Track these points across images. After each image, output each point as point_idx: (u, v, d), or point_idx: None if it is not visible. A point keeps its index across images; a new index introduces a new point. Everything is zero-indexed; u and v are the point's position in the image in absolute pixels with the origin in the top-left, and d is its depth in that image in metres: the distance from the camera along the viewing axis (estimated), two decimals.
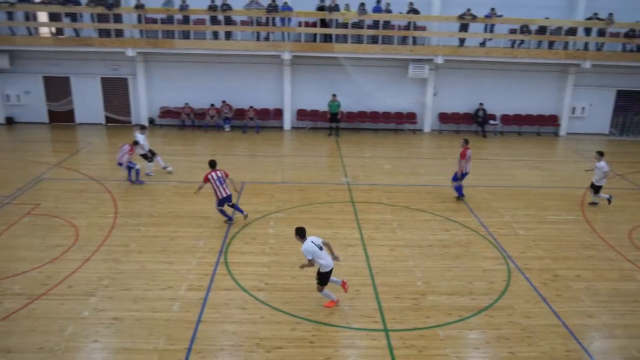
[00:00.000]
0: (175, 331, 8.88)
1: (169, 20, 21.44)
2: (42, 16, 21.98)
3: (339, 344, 8.76)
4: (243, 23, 21.90)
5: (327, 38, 21.76)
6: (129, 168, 15.79)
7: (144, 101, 22.95)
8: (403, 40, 21.98)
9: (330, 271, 9.50)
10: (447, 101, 23.50)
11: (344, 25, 21.61)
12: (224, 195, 12.98)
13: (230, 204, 13.22)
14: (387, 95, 23.02)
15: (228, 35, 21.63)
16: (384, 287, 10.44)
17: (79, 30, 21.63)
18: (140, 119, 23.12)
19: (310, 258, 9.32)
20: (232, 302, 9.78)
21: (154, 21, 21.66)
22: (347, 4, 21.45)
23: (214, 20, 21.32)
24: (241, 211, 13.28)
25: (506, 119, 23.82)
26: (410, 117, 23.55)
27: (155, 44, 21.34)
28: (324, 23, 21.61)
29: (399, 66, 22.73)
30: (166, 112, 23.07)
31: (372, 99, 23.17)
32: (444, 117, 23.74)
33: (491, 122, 23.47)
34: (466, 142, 14.87)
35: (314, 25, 21.83)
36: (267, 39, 21.75)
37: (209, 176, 12.90)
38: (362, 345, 8.73)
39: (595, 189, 14.92)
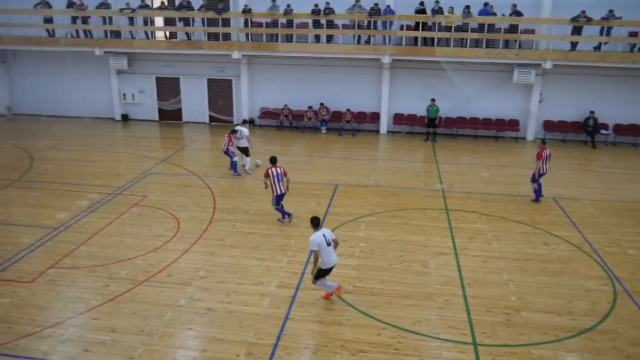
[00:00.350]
0: (264, 326, 9.13)
1: (274, 24, 22.13)
2: (159, 21, 23.57)
3: (424, 353, 8.56)
4: (344, 27, 22.11)
5: (427, 41, 21.39)
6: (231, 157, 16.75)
7: (246, 102, 23.85)
8: (507, 44, 21.10)
9: (330, 270, 9.58)
10: (554, 108, 22.20)
11: (447, 29, 21.14)
12: (279, 192, 13.11)
13: (280, 205, 13.33)
14: (489, 101, 22.20)
15: (329, 38, 21.94)
16: (475, 299, 10.06)
17: (191, 33, 22.93)
18: (241, 119, 24.02)
19: (315, 249, 9.34)
20: (319, 302, 9.89)
21: (260, 25, 22.45)
22: (451, 7, 20.95)
23: (317, 24, 21.72)
24: (288, 214, 13.37)
25: (619, 128, 22.07)
26: (513, 124, 22.52)
27: (260, 47, 22.12)
28: (424, 26, 21.29)
29: (503, 71, 21.83)
30: (266, 113, 23.83)
31: (473, 105, 22.45)
32: (549, 125, 22.46)
33: (602, 131, 21.85)
34: (543, 142, 15.26)
35: (416, 28, 21.56)
36: (367, 42, 21.79)
37: (269, 172, 13.05)
38: (448, 357, 8.47)
39: None
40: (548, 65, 20.63)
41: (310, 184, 16.31)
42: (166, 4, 23.47)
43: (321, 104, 22.92)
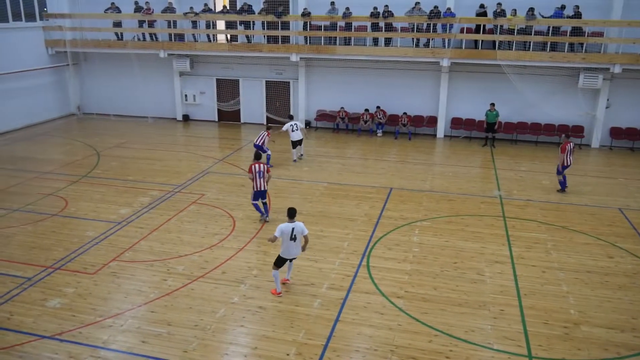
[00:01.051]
0: (314, 327, 9.19)
1: (332, 27, 22.27)
2: (220, 24, 24.19)
3: None
4: (403, 29, 21.97)
5: (488, 44, 20.90)
6: (264, 152, 17.23)
7: (303, 104, 24.09)
8: (572, 48, 20.32)
9: (285, 260, 10.05)
10: (622, 115, 21.16)
11: (509, 32, 20.60)
12: (259, 189, 13.24)
13: (264, 200, 13.57)
14: (552, 106, 21.44)
15: (388, 41, 21.85)
16: (532, 311, 9.75)
17: (251, 36, 23.40)
18: (298, 120, 24.27)
19: (277, 235, 9.72)
20: (370, 305, 9.86)
21: (318, 28, 22.64)
22: (514, 9, 20.39)
23: (375, 27, 21.68)
24: (262, 213, 13.61)
25: None
26: (577, 130, 21.64)
27: (318, 50, 22.30)
28: (485, 29, 20.82)
29: (568, 75, 21.05)
30: (322, 115, 23.97)
31: (534, 110, 21.75)
32: (616, 132, 21.44)
33: None
34: (567, 136, 15.96)
35: (476, 31, 21.14)
36: (426, 45, 21.54)
37: (252, 167, 13.21)
38: None
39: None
40: (617, 69, 19.72)
41: (364, 187, 16.28)
42: (228, 8, 24.05)
43: (378, 107, 22.85)
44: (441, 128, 22.87)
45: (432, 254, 11.92)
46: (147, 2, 24.09)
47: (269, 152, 17.79)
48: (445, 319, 9.44)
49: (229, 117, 25.50)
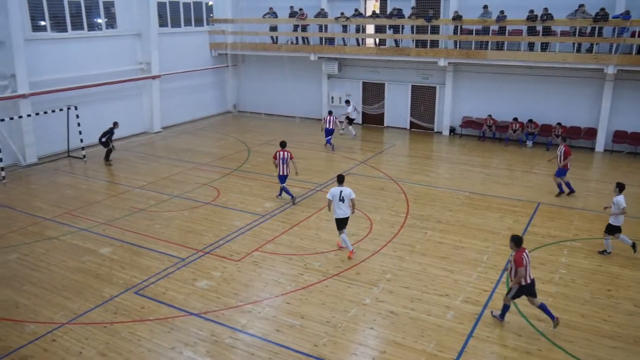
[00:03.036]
0: (446, 339, 8.94)
1: (484, 31, 21.45)
2: (370, 29, 24.51)
3: None
4: (563, 33, 20.43)
5: None
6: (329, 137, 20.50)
7: (448, 110, 23.53)
8: None
9: (340, 220, 11.64)
10: None
11: None
12: (282, 173, 14.77)
13: (285, 182, 15.04)
14: None
15: (544, 46, 20.48)
16: None
17: (399, 40, 23.40)
18: (442, 126, 23.82)
19: (329, 198, 11.55)
20: (508, 325, 9.34)
21: (469, 32, 21.95)
22: None
23: (531, 31, 20.45)
24: (292, 196, 15.05)
25: None
26: None
27: (468, 55, 21.63)
28: None
29: None
30: (468, 122, 23.20)
31: None
32: None
33: None
34: (564, 139, 15.81)
35: None
36: (589, 50, 19.84)
37: (277, 154, 14.72)
38: None
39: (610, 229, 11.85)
40: None
41: (509, 200, 15.47)
42: (378, 12, 24.29)
43: (530, 120, 21.46)
44: (601, 141, 20.90)
45: (582, 277, 10.96)
46: (300, 9, 25.20)
47: (329, 138, 21.02)
48: (593, 351, 8.62)
49: (372, 120, 25.75)
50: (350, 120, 23.38)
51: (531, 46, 20.74)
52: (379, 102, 25.34)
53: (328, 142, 21.25)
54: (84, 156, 20.01)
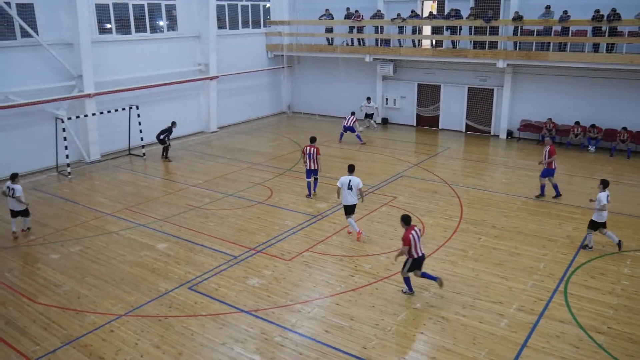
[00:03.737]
0: (499, 347, 8.69)
1: (546, 31, 20.75)
2: (426, 30, 24.20)
3: None
4: (631, 34, 19.48)
5: None
6: (354, 131, 21.94)
7: (506, 112, 22.91)
8: None
9: (348, 206, 12.63)
10: None
11: None
12: (310, 168, 15.39)
13: (315, 177, 15.67)
14: None
15: (610, 47, 19.60)
16: None
17: (456, 42, 22.98)
18: (500, 129, 23.22)
19: (339, 186, 12.61)
20: (564, 336, 8.99)
21: (530, 33, 21.29)
22: None
23: (597, 31, 19.61)
24: (310, 193, 15.75)
25: None
26: None
27: (528, 56, 20.97)
28: None
29: None
30: (527, 126, 22.49)
31: None
32: None
33: None
34: (551, 139, 16.38)
35: None
36: None
37: (305, 149, 15.44)
38: None
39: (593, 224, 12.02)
40: None
41: (568, 206, 14.91)
42: (435, 13, 23.95)
43: (592, 124, 20.57)
44: None
45: None
46: (356, 10, 25.17)
47: (358, 132, 22.30)
48: None
49: (427, 122, 25.41)
50: (370, 115, 24.95)
51: (596, 47, 19.89)
52: (434, 104, 24.97)
53: (340, 139, 22.91)
54: (144, 154, 20.73)
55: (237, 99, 26.71)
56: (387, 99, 26.14)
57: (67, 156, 18.36)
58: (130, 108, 20.63)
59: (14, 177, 13.17)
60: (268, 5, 28.08)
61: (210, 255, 12.21)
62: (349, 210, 12.74)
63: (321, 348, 8.74)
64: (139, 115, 20.61)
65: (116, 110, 20.08)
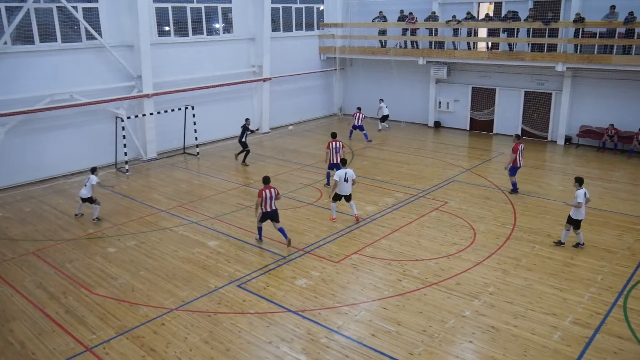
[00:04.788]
0: None
1: (609, 33, 19.92)
2: (482, 32, 23.69)
3: None
4: None
5: None
6: (362, 129, 22.91)
7: (565, 118, 22.12)
8: None
9: (341, 197, 13.89)
10: None
11: None
12: (333, 161, 16.06)
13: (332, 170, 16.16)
14: None
15: None
16: None
17: (513, 44, 22.39)
18: (557, 135, 22.47)
19: (336, 179, 13.58)
20: (622, 353, 8.59)
21: (592, 35, 20.49)
22: None
23: None
24: (328, 183, 16.99)
25: None
26: None
27: (589, 59, 20.18)
28: None
29: None
30: (586, 132, 21.65)
31: None
32: None
33: None
34: (518, 137, 16.29)
35: None
36: None
37: (330, 144, 16.17)
38: None
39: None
40: None
41: (630, 216, 14.26)
42: (491, 15, 23.41)
43: None
44: None
45: None
46: (410, 12, 24.93)
47: (366, 131, 23.20)
48: None
49: (481, 126, 24.88)
50: (385, 117, 25.43)
51: None
52: (488, 108, 24.42)
53: (350, 136, 23.73)
54: (198, 153, 21.24)
55: (289, 100, 26.97)
56: (439, 103, 25.76)
57: (125, 154, 19.04)
58: (186, 108, 21.18)
59: (93, 170, 14.82)
60: (322, 7, 28.23)
61: (259, 255, 12.38)
62: (341, 198, 14.02)
63: (367, 352, 8.70)
64: (194, 115, 21.14)
65: (172, 110, 20.66)
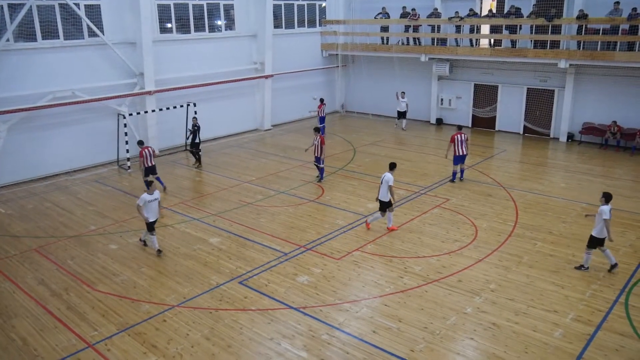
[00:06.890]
0: (552, 358, 8.40)
1: (613, 30, 19.84)
2: (485, 29, 23.63)
3: None
4: None
5: None
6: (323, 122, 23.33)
7: (567, 115, 22.07)
8: None
9: (382, 202, 13.06)
10: None
11: None
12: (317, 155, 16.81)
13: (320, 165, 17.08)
14: None
15: None
16: None
17: (516, 41, 22.32)
18: (560, 132, 22.41)
19: (391, 184, 12.84)
20: (624, 350, 8.58)
21: (595, 32, 20.41)
22: None
23: None
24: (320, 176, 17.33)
25: None
26: None
27: (592, 56, 20.12)
28: None
29: None
30: (589, 129, 21.59)
31: None
32: None
33: None
34: (459, 128, 17.03)
35: None
36: None
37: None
38: None
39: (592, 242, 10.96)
40: None
41: (632, 214, 14.23)
42: (494, 11, 23.35)
43: None
44: None
45: None
46: (413, 9, 24.88)
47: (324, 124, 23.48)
48: None
49: (483, 123, 24.83)
50: (402, 114, 24.79)
51: None
52: (491, 105, 24.36)
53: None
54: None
55: (291, 97, 26.95)
56: (442, 99, 25.71)
57: (127, 151, 19.06)
58: (188, 105, 21.18)
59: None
60: (324, 4, 28.18)
61: (261, 251, 12.39)
62: (381, 205, 13.38)
63: (368, 348, 8.71)
64: (196, 112, 21.12)
65: (174, 107, 20.66)
